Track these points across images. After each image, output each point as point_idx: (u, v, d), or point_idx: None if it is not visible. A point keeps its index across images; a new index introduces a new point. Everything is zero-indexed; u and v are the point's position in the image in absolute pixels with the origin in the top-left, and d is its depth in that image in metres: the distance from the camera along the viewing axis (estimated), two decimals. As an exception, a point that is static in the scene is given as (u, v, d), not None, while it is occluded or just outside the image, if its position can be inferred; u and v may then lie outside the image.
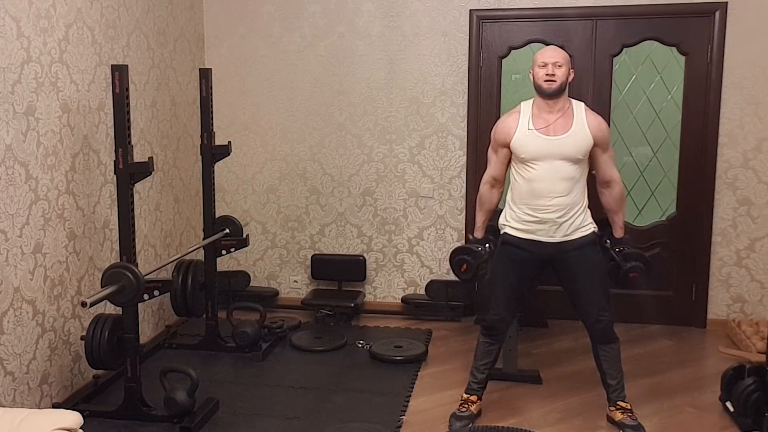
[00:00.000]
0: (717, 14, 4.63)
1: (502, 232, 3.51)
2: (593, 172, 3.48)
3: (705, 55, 4.70)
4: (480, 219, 3.64)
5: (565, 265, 3.41)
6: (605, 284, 3.44)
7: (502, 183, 3.58)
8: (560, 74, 3.30)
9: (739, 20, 4.61)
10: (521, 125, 3.37)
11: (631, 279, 3.46)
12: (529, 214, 3.37)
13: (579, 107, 3.38)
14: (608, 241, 3.54)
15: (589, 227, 3.40)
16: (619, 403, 3.49)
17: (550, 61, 3.31)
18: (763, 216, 4.74)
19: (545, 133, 3.31)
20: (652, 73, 4.85)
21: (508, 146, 3.41)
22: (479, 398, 3.61)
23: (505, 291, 3.50)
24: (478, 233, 3.66)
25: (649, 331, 4.83)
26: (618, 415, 3.46)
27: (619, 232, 3.54)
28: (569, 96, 3.43)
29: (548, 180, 3.30)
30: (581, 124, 3.32)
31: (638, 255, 3.51)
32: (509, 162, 3.48)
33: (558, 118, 3.32)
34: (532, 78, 3.39)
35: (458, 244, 4.66)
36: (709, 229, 4.82)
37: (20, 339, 3.35)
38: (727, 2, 4.61)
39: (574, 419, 3.58)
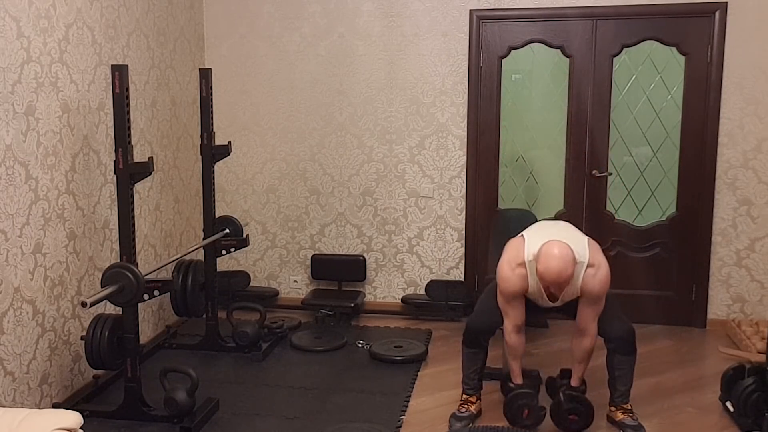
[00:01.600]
0: (717, 14, 4.63)
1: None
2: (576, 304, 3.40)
3: (705, 55, 4.70)
4: (516, 366, 3.53)
5: (568, 303, 3.39)
6: (614, 302, 3.43)
7: (524, 325, 3.44)
8: (563, 291, 3.20)
9: (739, 20, 4.61)
10: (530, 287, 3.28)
11: (570, 420, 3.38)
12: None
13: (581, 268, 3.19)
14: (562, 385, 3.53)
15: (585, 264, 3.27)
16: (621, 405, 3.50)
17: (554, 289, 3.17)
18: (763, 216, 4.74)
19: (548, 296, 3.28)
20: (652, 73, 4.85)
21: (522, 297, 3.35)
22: (478, 398, 3.62)
23: (492, 315, 3.47)
24: (518, 380, 3.54)
25: (649, 331, 4.83)
26: (618, 415, 3.47)
27: (575, 382, 3.51)
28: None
29: (547, 306, 3.42)
30: (575, 284, 3.21)
31: (583, 400, 3.43)
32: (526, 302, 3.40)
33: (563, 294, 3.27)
34: (535, 267, 3.19)
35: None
36: (709, 229, 4.82)
37: (20, 339, 3.35)
38: (727, 2, 4.61)
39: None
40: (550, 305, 3.39)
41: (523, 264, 3.25)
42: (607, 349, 3.47)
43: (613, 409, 3.52)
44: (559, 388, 3.49)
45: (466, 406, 3.57)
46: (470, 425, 3.48)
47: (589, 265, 3.19)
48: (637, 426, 3.41)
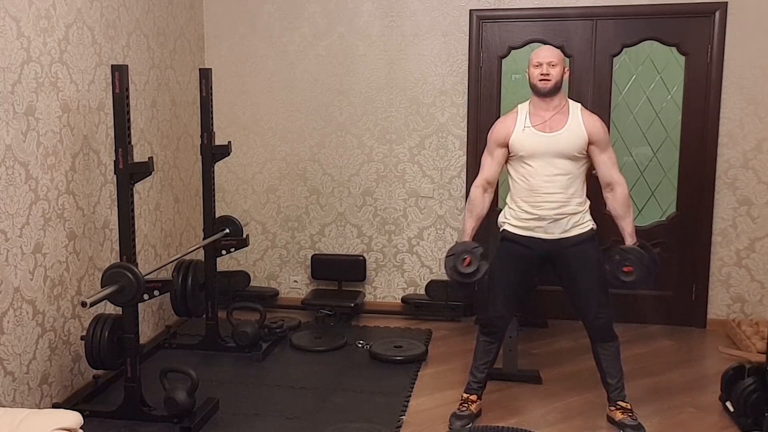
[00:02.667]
0: (717, 14, 4.63)
1: (501, 229, 3.53)
2: (594, 172, 3.48)
3: (705, 55, 4.70)
4: (470, 225, 3.50)
5: (563, 262, 3.41)
6: (604, 282, 3.42)
7: (494, 187, 3.54)
8: (555, 73, 3.34)
9: (739, 20, 4.61)
10: (519, 123, 3.40)
11: (624, 272, 3.31)
12: (527, 211, 3.39)
13: (575, 106, 3.42)
14: (617, 253, 3.40)
15: (588, 224, 3.42)
16: (619, 402, 3.49)
17: (545, 60, 3.36)
18: (763, 216, 4.74)
19: (541, 130, 3.34)
20: (652, 73, 4.85)
21: (505, 146, 3.41)
22: (479, 398, 3.62)
23: (505, 288, 3.49)
24: (467, 240, 3.49)
25: (649, 331, 4.83)
26: (618, 415, 3.46)
27: (628, 240, 3.42)
28: (569, 97, 3.43)
29: (545, 176, 3.33)
30: (576, 121, 3.35)
31: (635, 250, 3.37)
32: (504, 164, 3.47)
33: (554, 115, 3.36)
34: (528, 78, 3.43)
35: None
36: (709, 229, 4.82)
37: (20, 339, 3.35)
38: (727, 2, 4.61)
39: (574, 419, 3.58)
40: (546, 88, 3.35)
41: (515, 110, 3.47)
42: (590, 340, 3.50)
43: (612, 408, 3.51)
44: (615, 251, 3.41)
45: (466, 405, 3.57)
46: (470, 425, 3.48)
47: (582, 109, 3.41)
48: (637, 426, 3.40)
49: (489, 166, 3.48)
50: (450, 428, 3.48)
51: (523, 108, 3.45)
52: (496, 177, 3.51)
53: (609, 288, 3.43)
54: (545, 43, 4.87)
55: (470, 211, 3.53)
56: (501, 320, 3.54)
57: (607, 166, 3.39)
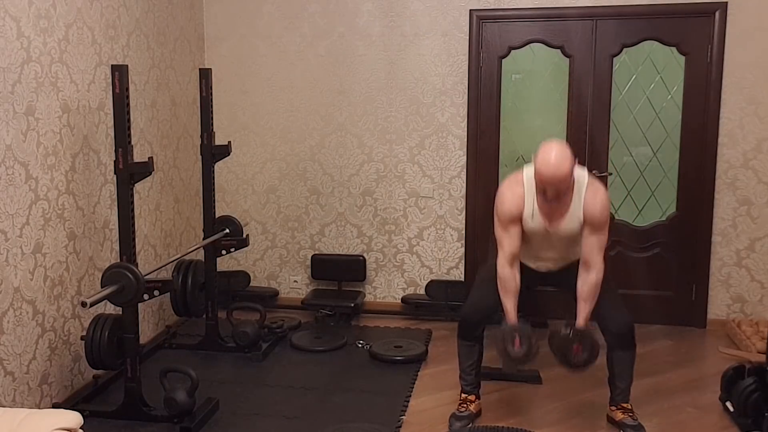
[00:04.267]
0: (717, 14, 4.63)
1: None
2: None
3: (705, 55, 4.70)
4: (510, 304, 3.30)
5: (565, 278, 3.38)
6: (615, 290, 3.40)
7: (518, 257, 3.32)
8: (561, 194, 3.10)
9: (739, 20, 4.61)
10: (527, 206, 3.22)
11: (574, 350, 3.24)
12: (527, 264, 3.40)
13: (581, 185, 3.16)
14: (569, 328, 3.31)
15: None
16: (621, 404, 3.49)
17: (550, 189, 3.07)
18: (763, 216, 4.74)
19: (545, 217, 3.22)
20: (652, 73, 4.85)
21: (519, 222, 3.27)
22: (477, 397, 3.62)
23: (486, 298, 3.42)
24: (513, 319, 3.31)
25: (649, 331, 4.83)
26: (619, 415, 3.47)
27: (581, 323, 3.28)
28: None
29: (545, 247, 3.34)
30: (577, 207, 3.17)
31: (588, 333, 3.27)
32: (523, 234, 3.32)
33: (558, 205, 3.19)
34: (534, 174, 3.13)
35: (459, 245, 4.45)
36: (709, 229, 4.82)
37: (20, 339, 3.35)
38: (727, 2, 4.61)
39: (574, 419, 3.58)
40: (551, 237, 3.24)
41: (521, 183, 3.22)
42: (607, 345, 3.44)
43: (613, 408, 3.51)
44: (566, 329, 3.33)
45: (465, 405, 3.57)
46: (470, 425, 3.48)
47: (589, 185, 3.17)
48: (637, 426, 3.40)
49: (509, 242, 3.27)
50: (450, 429, 3.49)
51: (530, 187, 3.19)
52: (519, 248, 3.29)
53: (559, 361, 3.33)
54: (545, 44, 4.89)
55: (505, 289, 3.30)
56: (477, 324, 3.51)
57: (592, 248, 3.22)
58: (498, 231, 3.32)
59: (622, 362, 3.44)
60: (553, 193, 3.07)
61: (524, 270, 3.38)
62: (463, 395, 3.61)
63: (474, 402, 3.59)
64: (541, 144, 3.09)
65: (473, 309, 3.53)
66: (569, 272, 3.37)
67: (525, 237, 3.31)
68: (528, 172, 3.22)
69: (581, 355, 3.22)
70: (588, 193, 3.16)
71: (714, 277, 4.86)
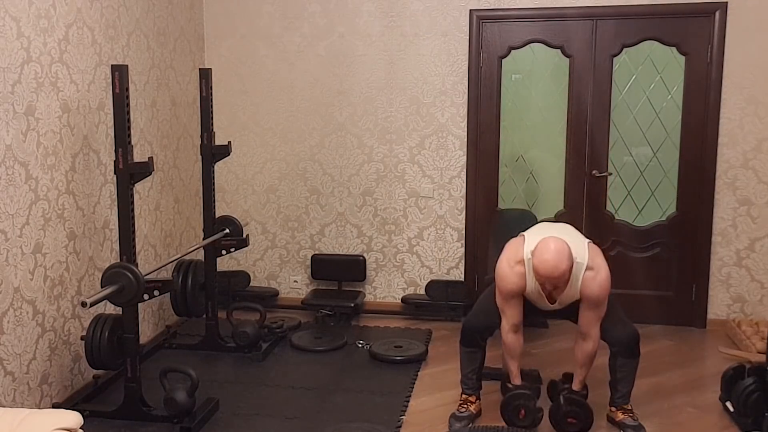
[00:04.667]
0: (717, 14, 4.63)
1: None
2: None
3: (705, 55, 4.70)
4: (514, 366, 3.48)
5: (570, 310, 3.39)
6: (617, 307, 3.43)
7: (522, 325, 3.42)
8: (559, 288, 3.17)
9: (739, 20, 4.61)
10: (528, 282, 3.26)
11: (569, 423, 3.36)
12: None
13: (580, 268, 3.18)
14: (564, 389, 3.50)
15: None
16: (622, 406, 3.50)
17: (548, 284, 3.14)
18: (763, 216, 4.74)
19: (546, 296, 3.27)
20: (652, 73, 4.85)
21: (520, 295, 3.33)
22: (478, 398, 3.62)
23: (494, 314, 3.46)
24: (516, 380, 3.52)
25: (649, 331, 4.82)
26: (619, 415, 3.47)
27: (577, 387, 3.47)
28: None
29: (546, 308, 3.41)
30: (575, 287, 3.21)
31: (583, 404, 3.40)
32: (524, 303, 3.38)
33: (559, 289, 3.23)
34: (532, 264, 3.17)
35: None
36: (709, 229, 4.82)
37: (20, 339, 3.35)
38: (727, 2, 4.61)
39: (574, 419, 3.58)
40: (549, 307, 3.37)
41: (521, 262, 3.24)
42: (611, 352, 3.46)
43: (613, 409, 3.52)
44: (560, 392, 3.48)
45: (465, 406, 3.58)
46: (470, 425, 3.48)
47: (588, 268, 3.18)
48: (637, 426, 3.41)
49: (511, 313, 3.35)
50: (450, 429, 3.49)
51: (530, 264, 3.19)
52: (521, 316, 3.38)
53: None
54: (546, 44, 4.89)
55: (510, 355, 3.46)
56: (481, 334, 3.54)
57: (590, 322, 3.30)
58: (500, 301, 3.39)
59: (626, 368, 3.46)
60: (551, 287, 3.14)
61: (529, 308, 3.43)
62: (464, 396, 3.62)
63: (474, 402, 3.60)
64: (540, 241, 3.12)
65: (478, 320, 3.55)
66: (572, 308, 3.38)
67: (527, 298, 3.38)
68: (528, 247, 3.22)
69: (575, 426, 3.35)
70: (586, 276, 3.18)
71: (714, 277, 4.86)
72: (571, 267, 3.08)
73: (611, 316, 3.37)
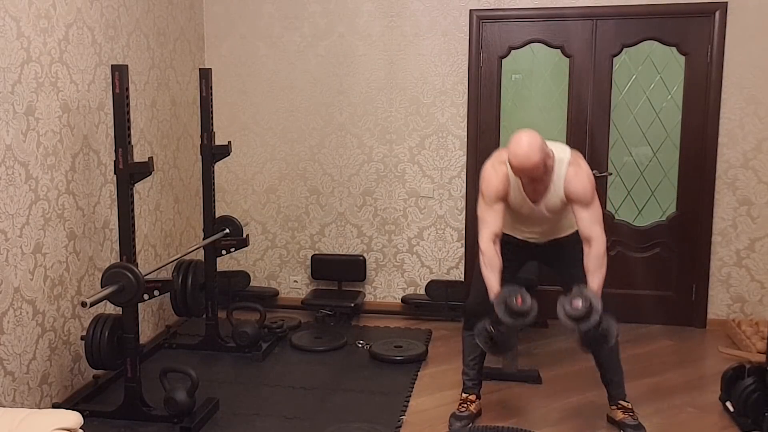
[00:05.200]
0: (717, 14, 4.63)
1: None
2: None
3: (705, 55, 4.70)
4: (494, 279, 3.26)
5: (555, 253, 3.44)
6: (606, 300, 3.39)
7: (501, 236, 3.31)
8: (537, 179, 3.14)
9: (739, 20, 4.61)
10: (512, 184, 3.25)
11: (573, 303, 3.14)
12: (517, 232, 3.43)
13: (561, 165, 3.18)
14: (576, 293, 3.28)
15: (575, 226, 3.35)
16: (620, 402, 3.48)
17: (524, 177, 3.13)
18: (763, 216, 4.74)
19: (528, 196, 3.25)
20: (652, 73, 4.85)
21: (503, 200, 3.29)
22: (478, 397, 3.61)
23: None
24: (496, 290, 3.26)
25: (649, 331, 4.83)
26: (619, 415, 3.46)
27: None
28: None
29: (531, 222, 3.37)
30: (557, 185, 3.19)
31: (593, 297, 3.19)
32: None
33: (539, 185, 3.21)
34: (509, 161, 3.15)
35: (459, 244, 4.25)
36: (709, 229, 4.82)
37: (20, 339, 3.35)
38: (727, 2, 4.61)
39: (574, 419, 3.58)
40: (537, 215, 3.28)
41: (504, 163, 3.23)
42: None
43: (613, 408, 3.51)
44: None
45: (465, 405, 3.57)
46: (470, 425, 3.48)
47: (569, 164, 3.18)
48: (637, 425, 3.40)
49: (493, 220, 3.27)
50: (450, 429, 3.48)
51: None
52: (501, 226, 3.30)
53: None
54: (545, 43, 4.89)
55: (489, 266, 3.26)
56: (481, 308, 3.43)
57: (588, 222, 3.20)
58: (482, 209, 3.33)
59: (607, 354, 3.43)
60: (528, 180, 3.14)
61: (513, 243, 3.41)
62: (464, 395, 3.61)
63: (474, 402, 3.58)
64: (514, 135, 3.14)
65: (478, 299, 3.48)
66: (559, 250, 3.40)
67: (510, 211, 3.34)
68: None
69: (579, 309, 3.12)
70: (568, 173, 3.17)
71: (714, 277, 4.86)
72: (545, 159, 3.06)
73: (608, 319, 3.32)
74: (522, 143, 3.05)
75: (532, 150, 3.02)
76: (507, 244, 3.40)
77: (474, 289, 3.52)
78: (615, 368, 3.47)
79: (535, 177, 3.11)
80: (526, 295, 3.18)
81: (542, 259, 3.57)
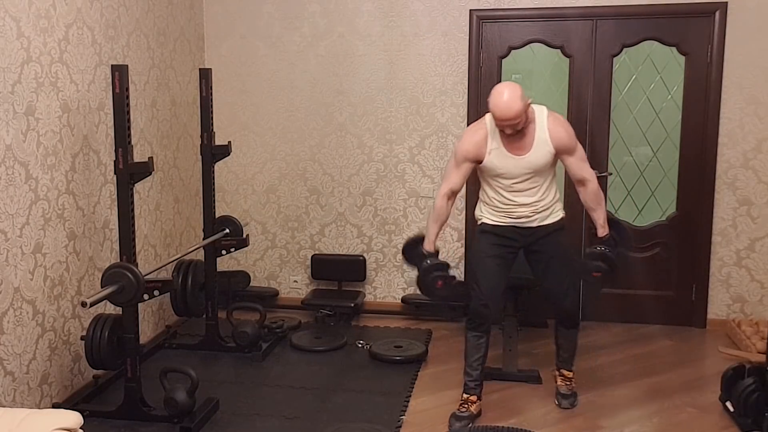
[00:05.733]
0: (717, 14, 4.63)
1: (479, 222, 3.65)
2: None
3: (705, 55, 4.70)
4: (434, 231, 3.56)
5: (538, 248, 3.55)
6: (572, 268, 3.59)
7: (457, 195, 3.58)
8: (519, 124, 3.27)
9: (739, 20, 4.61)
10: (490, 145, 3.40)
11: (594, 277, 3.50)
12: (502, 212, 3.53)
13: (541, 116, 3.38)
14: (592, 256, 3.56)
15: (559, 213, 3.57)
16: (563, 371, 3.76)
17: (506, 123, 3.26)
18: (763, 216, 4.74)
19: (510, 151, 3.39)
20: (652, 73, 4.85)
21: (474, 162, 3.45)
22: (479, 398, 3.61)
23: (487, 277, 3.54)
24: (430, 246, 3.55)
25: (649, 331, 4.83)
26: (558, 381, 3.77)
27: (600, 231, 3.54)
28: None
29: (517, 190, 3.46)
30: (542, 137, 3.36)
31: (603, 255, 3.49)
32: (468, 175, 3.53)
33: (522, 138, 3.37)
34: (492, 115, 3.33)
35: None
36: (709, 229, 4.82)
37: (20, 339, 3.35)
38: (727, 2, 4.61)
39: (574, 419, 3.59)
40: (521, 168, 3.38)
41: (483, 125, 3.41)
42: (555, 320, 3.75)
43: (556, 372, 3.80)
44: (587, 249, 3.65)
45: (466, 406, 3.57)
46: (470, 425, 3.48)
47: (548, 115, 3.38)
48: (570, 395, 3.69)
49: (455, 177, 3.50)
50: (450, 429, 3.49)
51: (492, 125, 3.37)
52: (461, 187, 3.56)
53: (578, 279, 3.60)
54: (545, 43, 4.90)
55: (436, 218, 3.54)
56: (486, 309, 3.53)
57: (577, 166, 3.46)
58: (449, 166, 3.54)
59: (567, 339, 3.75)
60: (511, 130, 3.28)
61: (501, 234, 3.54)
62: (465, 395, 3.61)
63: (475, 403, 3.58)
64: (494, 87, 3.29)
65: (482, 300, 3.53)
66: (547, 247, 3.53)
67: (498, 182, 3.46)
68: (490, 114, 3.37)
69: (599, 280, 3.52)
70: (549, 122, 3.37)
71: (714, 277, 4.86)
72: (524, 108, 3.22)
73: (563, 271, 3.53)
74: (503, 94, 3.22)
75: (513, 100, 3.19)
76: (497, 236, 3.54)
77: (476, 290, 3.55)
78: (569, 348, 3.77)
79: (516, 126, 3.26)
80: (447, 278, 3.50)
81: (529, 257, 3.64)
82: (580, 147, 3.46)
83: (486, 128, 3.40)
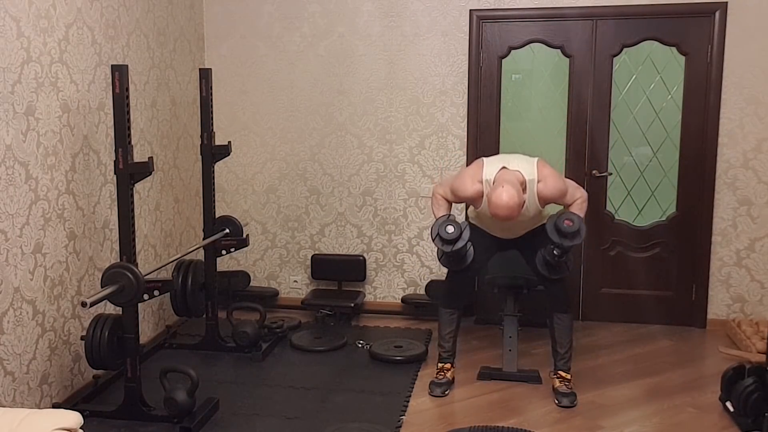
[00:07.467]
0: (717, 14, 4.63)
1: (470, 219, 3.89)
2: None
3: (705, 55, 4.70)
4: (441, 213, 3.76)
5: (527, 242, 3.78)
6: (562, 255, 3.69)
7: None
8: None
9: (739, 20, 4.61)
10: (484, 199, 3.56)
11: (566, 223, 3.49)
12: (490, 226, 3.77)
13: (532, 186, 3.51)
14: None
15: (545, 218, 3.70)
16: (560, 372, 3.81)
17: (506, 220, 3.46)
18: (763, 216, 4.74)
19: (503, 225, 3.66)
20: (652, 73, 4.85)
21: (466, 200, 3.73)
22: (452, 365, 3.95)
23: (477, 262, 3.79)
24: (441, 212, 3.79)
25: (649, 331, 4.83)
26: (556, 383, 3.80)
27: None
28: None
29: (505, 227, 3.70)
30: (533, 200, 3.53)
31: (577, 216, 3.59)
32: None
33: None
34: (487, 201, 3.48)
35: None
36: (709, 229, 4.82)
37: (20, 339, 3.35)
38: (727, 2, 4.61)
39: (574, 419, 3.58)
40: (508, 236, 3.74)
41: (482, 182, 3.55)
42: (548, 309, 3.83)
43: (553, 377, 3.84)
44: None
45: (443, 373, 3.91)
46: (448, 390, 3.82)
47: (538, 181, 3.52)
48: (568, 394, 3.72)
49: (450, 196, 3.74)
50: (430, 394, 3.80)
51: (489, 188, 3.50)
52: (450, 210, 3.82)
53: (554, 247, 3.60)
54: (545, 43, 4.90)
55: (437, 205, 3.78)
56: (461, 291, 3.91)
57: (569, 200, 3.63)
58: (448, 184, 3.74)
59: (560, 327, 3.80)
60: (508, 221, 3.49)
61: (493, 238, 3.80)
62: (440, 364, 3.95)
63: (450, 370, 3.93)
64: (494, 192, 3.38)
65: (455, 279, 3.87)
66: (534, 237, 3.72)
67: (487, 215, 3.63)
68: (488, 171, 3.53)
69: (572, 226, 3.46)
70: (539, 188, 3.52)
71: (714, 277, 4.86)
72: (521, 206, 3.39)
73: (559, 281, 3.72)
74: (503, 199, 3.36)
75: (511, 207, 3.35)
76: (484, 236, 3.79)
77: (450, 270, 3.83)
78: (566, 341, 3.82)
79: (514, 219, 3.46)
80: (456, 225, 3.59)
81: (521, 246, 3.84)
82: (569, 186, 3.63)
83: (482, 187, 3.55)
